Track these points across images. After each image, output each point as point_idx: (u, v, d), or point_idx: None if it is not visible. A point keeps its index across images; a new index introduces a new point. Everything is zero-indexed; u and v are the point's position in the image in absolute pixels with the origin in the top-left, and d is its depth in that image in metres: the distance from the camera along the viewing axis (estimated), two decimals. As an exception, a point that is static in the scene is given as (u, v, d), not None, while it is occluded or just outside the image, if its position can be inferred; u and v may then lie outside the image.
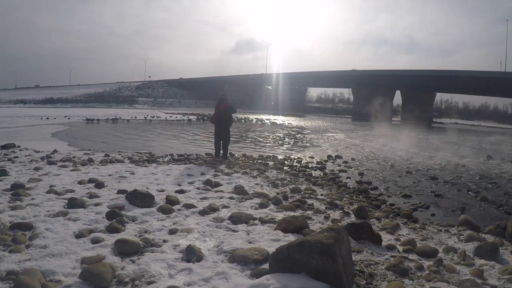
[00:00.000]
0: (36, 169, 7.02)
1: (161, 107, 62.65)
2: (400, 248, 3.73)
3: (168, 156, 9.70)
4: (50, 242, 3.35)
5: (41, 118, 25.18)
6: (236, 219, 4.29)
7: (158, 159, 9.05)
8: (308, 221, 4.37)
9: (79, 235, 3.54)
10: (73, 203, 4.51)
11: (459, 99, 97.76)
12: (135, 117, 31.41)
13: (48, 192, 5.17)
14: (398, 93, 69.90)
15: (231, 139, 10.13)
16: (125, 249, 3.24)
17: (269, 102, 78.72)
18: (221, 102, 9.64)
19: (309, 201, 5.50)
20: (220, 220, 4.28)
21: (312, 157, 11.16)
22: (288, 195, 5.81)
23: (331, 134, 22.26)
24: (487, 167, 10.63)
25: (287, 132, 22.53)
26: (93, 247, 3.30)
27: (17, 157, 8.61)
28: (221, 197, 5.42)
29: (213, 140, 9.94)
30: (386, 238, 3.99)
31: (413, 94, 66.96)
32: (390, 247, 3.72)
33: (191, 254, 3.19)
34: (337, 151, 13.04)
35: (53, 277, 2.75)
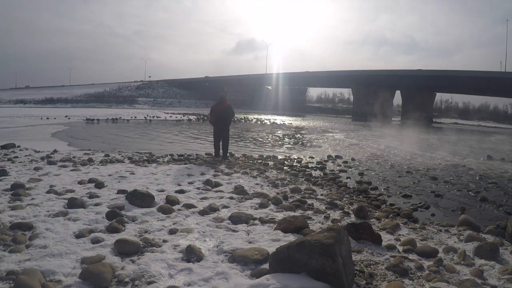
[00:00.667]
0: (36, 169, 7.02)
1: (161, 107, 62.62)
2: (400, 248, 3.73)
3: (168, 156, 9.70)
4: (50, 242, 3.35)
5: (41, 118, 25.17)
6: (236, 219, 4.29)
7: (158, 159, 9.05)
8: (308, 221, 4.37)
9: (79, 235, 3.54)
10: (73, 203, 4.51)
11: (459, 99, 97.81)
12: (135, 117, 31.39)
13: (48, 192, 5.18)
14: (398, 93, 69.88)
15: (230, 139, 10.12)
16: (125, 249, 3.24)
17: (269, 102, 78.70)
18: (221, 103, 9.61)
19: (309, 201, 5.50)
20: (220, 220, 4.28)
21: (312, 157, 11.16)
22: (288, 195, 5.81)
23: (331, 134, 22.25)
24: (487, 167, 10.63)
25: (287, 132, 22.53)
26: (93, 247, 3.30)
27: (17, 157, 8.61)
28: (221, 197, 5.42)
29: (213, 141, 9.92)
30: (386, 238, 3.99)
31: (413, 94, 66.91)
32: (390, 247, 3.72)
33: (191, 254, 3.19)
34: (337, 151, 13.04)
35: (53, 277, 2.75)
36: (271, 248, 3.15)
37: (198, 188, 5.92)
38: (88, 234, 3.58)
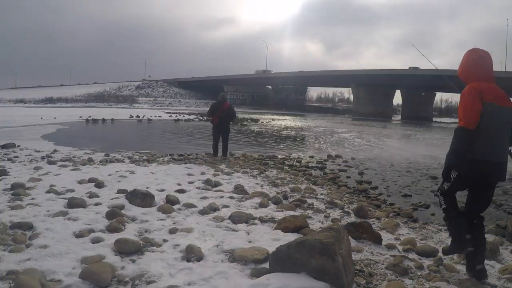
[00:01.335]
0: (36, 168, 7.01)
1: (161, 107, 62.67)
2: (400, 248, 3.73)
3: (168, 155, 9.69)
4: (50, 241, 3.34)
5: (41, 118, 25.15)
6: (236, 218, 4.29)
7: (158, 159, 9.04)
8: (308, 221, 4.36)
9: (79, 235, 3.54)
10: (73, 203, 4.50)
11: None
12: (135, 116, 31.40)
13: (48, 191, 5.17)
14: (398, 92, 69.91)
15: (230, 140, 10.08)
16: (125, 249, 3.23)
17: (269, 102, 78.73)
18: (222, 103, 9.48)
19: (309, 201, 5.50)
20: (220, 219, 4.28)
21: (312, 157, 11.16)
22: (288, 195, 5.81)
23: (331, 134, 22.25)
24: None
25: (287, 131, 22.53)
26: (93, 246, 3.30)
27: (17, 156, 8.60)
28: (221, 197, 5.41)
29: (212, 140, 9.84)
30: (386, 238, 3.98)
31: (413, 93, 66.91)
32: (390, 247, 3.72)
33: (191, 254, 3.19)
34: (337, 151, 13.04)
35: (53, 276, 2.75)
36: (271, 248, 3.14)
37: (198, 188, 5.92)
38: (88, 234, 3.58)
